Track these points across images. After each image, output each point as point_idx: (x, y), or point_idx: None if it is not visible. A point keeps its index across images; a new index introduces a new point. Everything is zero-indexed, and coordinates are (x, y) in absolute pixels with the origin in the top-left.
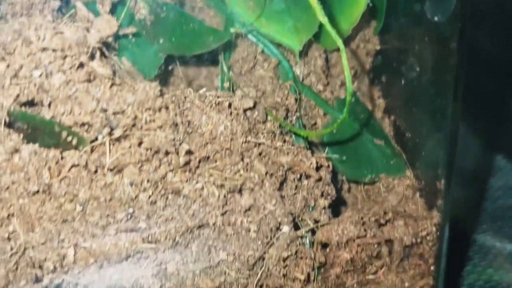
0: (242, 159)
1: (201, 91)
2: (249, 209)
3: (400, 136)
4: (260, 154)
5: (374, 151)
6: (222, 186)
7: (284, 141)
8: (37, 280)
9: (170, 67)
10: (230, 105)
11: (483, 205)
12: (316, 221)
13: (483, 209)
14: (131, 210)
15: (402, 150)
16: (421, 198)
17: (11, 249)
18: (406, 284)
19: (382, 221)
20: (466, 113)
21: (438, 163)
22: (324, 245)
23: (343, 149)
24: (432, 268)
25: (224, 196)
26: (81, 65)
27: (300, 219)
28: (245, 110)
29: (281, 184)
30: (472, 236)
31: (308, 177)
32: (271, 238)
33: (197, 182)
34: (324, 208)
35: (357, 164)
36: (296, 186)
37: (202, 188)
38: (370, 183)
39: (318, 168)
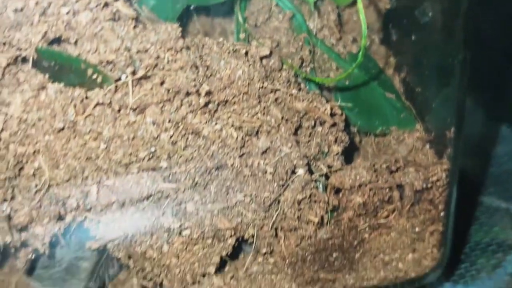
0: (259, 103)
1: (219, 40)
2: (265, 151)
3: (409, 92)
4: (276, 100)
5: (385, 104)
6: (240, 128)
7: (299, 89)
8: (60, 217)
9: (187, 20)
10: (246, 53)
11: (489, 171)
12: (329, 167)
13: (489, 174)
14: (153, 149)
15: (411, 105)
16: (430, 149)
17: (36, 186)
18: (417, 229)
19: (393, 168)
20: (471, 84)
21: (447, 114)
22: (337, 191)
23: (355, 101)
24: (442, 214)
25: (242, 138)
26: (106, 4)
27: (314, 164)
28: (261, 58)
29: (296, 130)
30: (479, 198)
31: (322, 123)
32: (286, 181)
33: (216, 124)
34: (337, 154)
35: (369, 116)
36: (310, 133)
37: (221, 130)
38: (381, 135)
39: (332, 115)
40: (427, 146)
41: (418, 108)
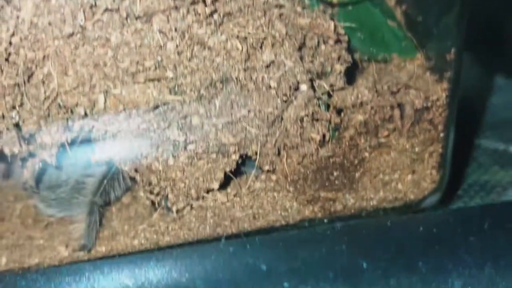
0: (264, 17)
1: None
2: (269, 65)
3: (410, 23)
4: (280, 15)
5: (387, 31)
6: (245, 39)
7: (303, 7)
8: (68, 126)
9: None
10: None
11: (484, 119)
12: (331, 86)
13: (485, 122)
14: (159, 58)
15: (412, 36)
16: (431, 76)
17: (44, 92)
18: (416, 149)
19: (395, 89)
20: (467, 35)
21: (448, 38)
22: (339, 111)
23: (358, 26)
24: (441, 135)
25: (247, 51)
26: None
27: (317, 83)
28: None
29: (300, 48)
30: (476, 140)
31: (325, 42)
32: (289, 96)
33: (221, 35)
34: (340, 73)
35: (371, 42)
36: (313, 53)
37: (226, 41)
38: (382, 62)
39: (336, 33)
40: (427, 73)
41: (418, 38)
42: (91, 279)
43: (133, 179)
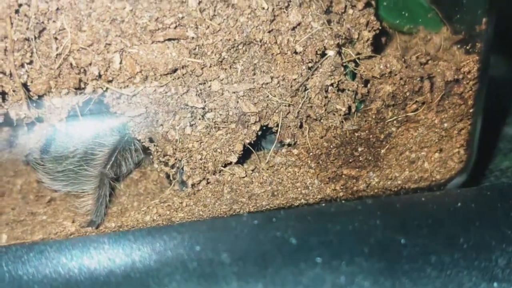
0: None
1: None
2: (295, 27)
3: None
4: None
5: (414, 2)
6: None
7: None
8: (80, 87)
9: None
10: None
11: (504, 105)
12: (358, 53)
13: (505, 108)
14: (180, 15)
15: (437, 8)
16: (458, 50)
17: (56, 49)
18: (445, 125)
19: (423, 60)
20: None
21: (478, 8)
22: (365, 82)
23: None
24: (471, 110)
25: (273, 11)
26: None
27: (343, 51)
28: None
29: (327, 11)
30: (496, 126)
31: (353, 6)
32: (315, 63)
33: None
34: (368, 40)
35: (398, 12)
36: (340, 18)
37: None
38: (408, 34)
39: None
40: (454, 47)
41: (444, 9)
42: (106, 251)
43: (145, 151)
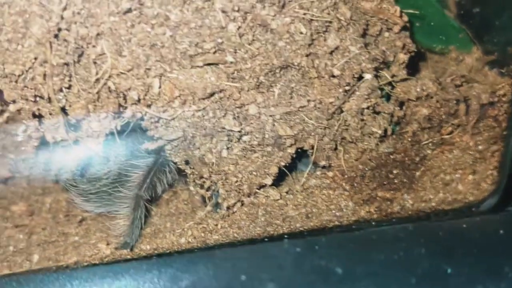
0: None
1: None
2: (334, 51)
3: (465, 14)
4: None
5: (445, 22)
6: (310, 22)
7: None
8: (119, 111)
9: None
10: None
11: None
12: (393, 76)
13: None
14: (219, 40)
15: (467, 28)
16: (490, 70)
17: (96, 74)
18: (480, 147)
19: (458, 82)
20: None
21: (509, 35)
22: (400, 104)
23: (417, 16)
24: (504, 132)
25: (311, 35)
26: None
27: (379, 74)
28: None
29: (363, 35)
30: None
31: (389, 29)
32: (352, 86)
33: (285, 17)
34: (403, 63)
35: (429, 32)
36: (376, 40)
37: (290, 24)
38: (440, 54)
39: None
40: (486, 68)
41: (474, 30)
42: (147, 279)
43: (179, 173)
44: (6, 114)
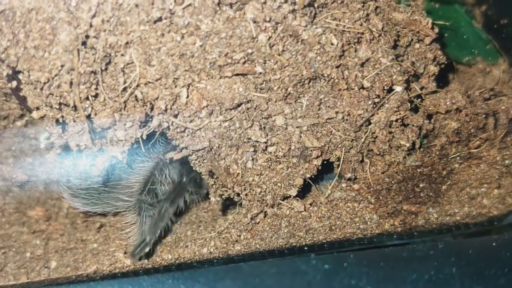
0: (360, 10)
1: None
2: (365, 63)
3: (491, 26)
4: (376, 9)
5: (472, 33)
6: (342, 33)
7: (399, 2)
8: (146, 121)
9: None
10: None
11: None
12: (422, 88)
13: None
14: (249, 51)
15: (494, 39)
16: None
17: (124, 83)
18: (506, 162)
19: (487, 95)
20: None
21: None
22: (429, 116)
23: (445, 27)
24: None
25: (342, 46)
26: None
27: (409, 87)
28: None
29: (394, 46)
30: None
31: (420, 41)
32: (382, 98)
33: (316, 28)
34: (433, 75)
35: (458, 43)
36: (406, 51)
37: (321, 35)
38: (467, 65)
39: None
40: None
41: (501, 41)
42: None
43: (199, 183)
44: (25, 118)
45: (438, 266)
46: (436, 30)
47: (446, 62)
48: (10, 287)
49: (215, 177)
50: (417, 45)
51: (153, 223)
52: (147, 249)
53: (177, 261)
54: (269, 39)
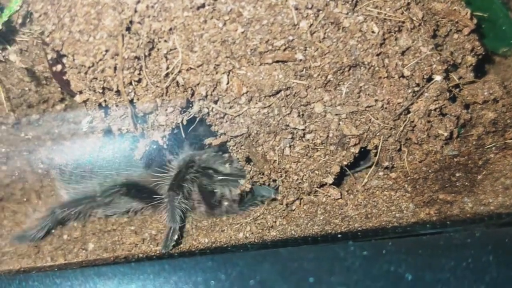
0: None
1: None
2: (405, 51)
3: None
4: None
5: (509, 25)
6: (383, 21)
7: None
8: (186, 106)
9: None
10: None
11: None
12: (460, 78)
13: None
14: (290, 38)
15: None
16: None
17: (167, 68)
18: None
19: None
20: None
21: None
22: (466, 106)
23: (482, 19)
24: None
25: (383, 35)
26: None
27: (447, 75)
28: None
29: (433, 36)
30: None
31: (459, 31)
32: (422, 87)
33: (358, 15)
34: (471, 65)
35: (494, 35)
36: (444, 41)
37: (362, 23)
38: (502, 56)
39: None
40: None
41: None
42: (213, 275)
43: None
44: (65, 102)
45: (475, 254)
46: (475, 20)
47: (483, 53)
48: (48, 268)
49: (252, 163)
50: (455, 35)
51: (168, 213)
52: (175, 237)
53: (213, 245)
54: (310, 26)
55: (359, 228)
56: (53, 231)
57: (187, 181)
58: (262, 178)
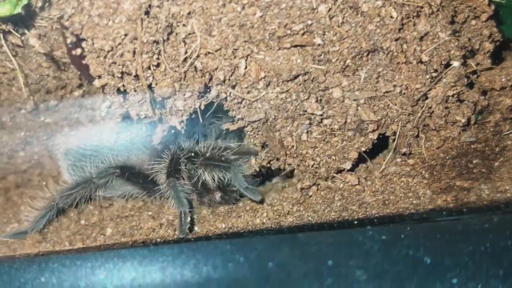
0: None
1: None
2: (423, 36)
3: None
4: None
5: None
6: (402, 6)
7: None
8: (204, 91)
9: None
10: None
11: None
12: (477, 64)
13: None
14: (309, 22)
15: None
16: None
17: (185, 53)
18: None
19: None
20: None
21: None
22: (483, 93)
23: (500, 5)
24: None
25: (402, 19)
26: None
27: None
28: None
29: (451, 21)
30: None
31: (476, 17)
32: (440, 73)
33: (376, 0)
34: (488, 52)
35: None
36: (462, 27)
37: (381, 7)
38: None
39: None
40: None
41: None
42: (233, 259)
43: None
44: (83, 88)
45: (493, 239)
46: (493, 7)
47: (501, 40)
48: (66, 252)
49: (269, 148)
50: (473, 22)
51: (174, 199)
52: (188, 219)
53: (230, 230)
54: (329, 11)
55: (376, 215)
56: (56, 219)
57: (182, 164)
58: (277, 163)
